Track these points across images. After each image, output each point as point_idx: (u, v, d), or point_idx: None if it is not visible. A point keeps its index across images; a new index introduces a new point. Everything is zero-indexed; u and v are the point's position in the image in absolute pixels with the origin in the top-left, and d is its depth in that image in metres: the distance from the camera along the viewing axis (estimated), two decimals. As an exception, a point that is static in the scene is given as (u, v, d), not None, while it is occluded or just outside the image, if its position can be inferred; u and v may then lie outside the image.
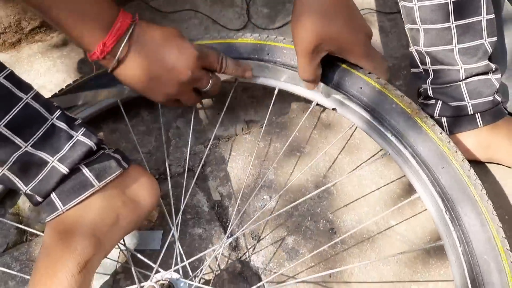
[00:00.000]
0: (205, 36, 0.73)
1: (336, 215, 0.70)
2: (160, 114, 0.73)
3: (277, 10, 0.93)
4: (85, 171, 0.54)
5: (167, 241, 0.63)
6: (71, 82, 0.73)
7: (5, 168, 0.51)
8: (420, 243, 0.67)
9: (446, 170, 0.54)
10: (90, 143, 0.55)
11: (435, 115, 0.71)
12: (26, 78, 0.75)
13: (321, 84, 0.65)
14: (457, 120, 0.70)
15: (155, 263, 0.60)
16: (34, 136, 0.52)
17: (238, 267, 0.66)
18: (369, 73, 0.63)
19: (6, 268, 0.64)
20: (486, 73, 0.68)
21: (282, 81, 0.67)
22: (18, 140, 0.51)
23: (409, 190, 0.71)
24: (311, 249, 0.66)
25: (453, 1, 0.63)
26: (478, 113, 0.69)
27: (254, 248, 0.67)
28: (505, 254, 0.49)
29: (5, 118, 0.50)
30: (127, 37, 0.56)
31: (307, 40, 0.58)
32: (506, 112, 0.71)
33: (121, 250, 0.65)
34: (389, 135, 0.59)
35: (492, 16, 0.66)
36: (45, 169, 0.53)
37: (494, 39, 0.67)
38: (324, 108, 0.79)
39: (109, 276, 0.65)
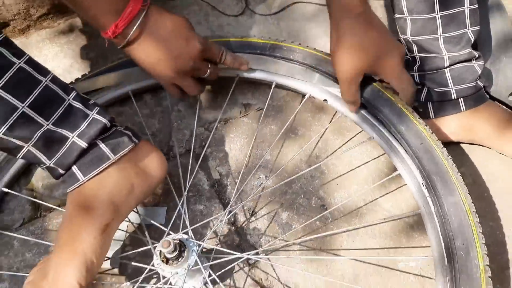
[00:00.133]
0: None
1: (327, 193, 0.75)
2: (167, 97, 0.79)
3: (274, -3, 0.97)
4: (102, 145, 0.60)
5: (174, 216, 0.69)
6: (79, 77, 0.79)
7: (30, 145, 0.57)
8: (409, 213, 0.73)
9: (424, 146, 0.60)
10: (104, 120, 0.61)
11: (421, 100, 0.76)
12: (36, 63, 0.80)
13: (316, 76, 0.70)
14: (441, 105, 0.75)
15: (161, 237, 0.66)
16: (54, 115, 0.58)
17: (236, 240, 0.71)
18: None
19: (24, 241, 0.70)
20: (469, 60, 0.72)
21: (279, 76, 0.74)
22: (40, 119, 0.57)
23: (395, 169, 0.76)
24: (303, 223, 0.72)
25: (438, -7, 0.67)
26: (461, 98, 0.74)
27: (250, 223, 0.73)
28: (472, 215, 0.56)
29: (28, 99, 0.56)
30: (138, 22, 0.62)
31: (348, 72, 0.64)
32: (488, 97, 0.76)
33: (130, 222, 0.71)
34: (374, 121, 0.65)
35: (475, 6, 0.70)
36: (66, 144, 0.59)
37: (477, 28, 0.71)
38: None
39: (121, 243, 0.71)
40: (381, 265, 0.69)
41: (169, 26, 0.65)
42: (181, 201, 0.69)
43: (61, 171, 0.60)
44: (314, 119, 0.82)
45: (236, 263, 0.68)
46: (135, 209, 0.67)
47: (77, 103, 0.60)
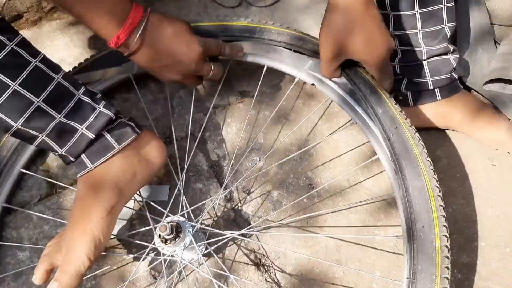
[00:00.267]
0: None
1: (315, 173, 0.83)
2: (166, 85, 0.85)
3: (269, -11, 1.03)
4: (107, 136, 0.67)
5: (174, 194, 0.77)
6: (82, 61, 0.85)
7: (44, 135, 0.64)
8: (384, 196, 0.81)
9: (397, 130, 0.67)
10: (110, 113, 0.67)
11: (402, 89, 0.83)
12: (48, 52, 0.87)
13: (309, 62, 0.76)
14: (419, 94, 0.82)
15: (162, 214, 0.74)
16: (66, 109, 0.64)
17: (232, 215, 0.80)
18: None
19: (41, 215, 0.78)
20: (445, 54, 0.79)
21: (270, 59, 0.79)
22: (53, 112, 0.63)
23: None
24: (293, 201, 0.80)
25: (417, -8, 0.73)
26: (437, 88, 0.80)
27: (245, 200, 0.81)
28: (434, 199, 0.62)
29: (42, 95, 0.62)
30: (139, 32, 0.66)
31: (328, 49, 0.67)
32: (461, 87, 0.83)
33: (136, 200, 0.79)
34: (356, 106, 0.72)
35: (452, 4, 0.76)
36: (76, 135, 0.65)
37: (453, 24, 0.78)
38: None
39: (126, 221, 0.79)
40: (361, 239, 0.77)
41: (169, 33, 0.69)
42: (180, 182, 0.77)
43: (72, 159, 0.67)
44: (304, 105, 0.89)
45: (228, 238, 0.76)
46: (138, 192, 0.74)
47: (86, 97, 0.66)
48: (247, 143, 0.85)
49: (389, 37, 0.66)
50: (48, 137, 0.64)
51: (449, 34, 0.78)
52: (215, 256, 0.74)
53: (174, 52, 0.70)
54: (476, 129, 0.82)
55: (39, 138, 0.64)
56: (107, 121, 0.67)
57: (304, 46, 0.77)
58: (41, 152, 0.85)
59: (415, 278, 0.60)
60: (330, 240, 0.77)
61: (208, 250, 0.73)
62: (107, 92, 0.85)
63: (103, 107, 0.67)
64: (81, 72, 0.82)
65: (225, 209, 0.80)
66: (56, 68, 0.65)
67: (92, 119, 0.66)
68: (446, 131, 0.86)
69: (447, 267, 0.60)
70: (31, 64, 0.61)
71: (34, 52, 0.63)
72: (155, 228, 0.69)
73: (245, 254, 0.77)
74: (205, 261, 0.73)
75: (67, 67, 0.86)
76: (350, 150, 0.84)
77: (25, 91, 0.60)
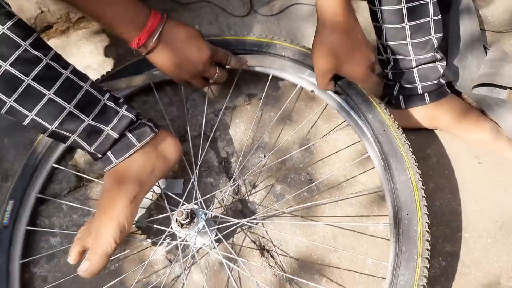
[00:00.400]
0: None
1: (314, 169, 0.91)
2: (182, 89, 0.95)
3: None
4: (129, 136, 0.76)
5: (188, 187, 0.86)
6: (110, 70, 0.95)
7: (75, 135, 0.73)
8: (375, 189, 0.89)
9: (386, 132, 0.76)
10: (131, 115, 0.77)
11: (394, 93, 0.90)
12: (75, 59, 0.99)
13: (308, 71, 0.86)
14: (410, 98, 0.89)
15: (178, 204, 0.84)
16: (93, 113, 0.73)
17: (239, 206, 0.89)
18: None
19: (71, 206, 0.89)
20: (433, 62, 0.86)
21: (275, 69, 0.89)
22: (82, 116, 0.72)
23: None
24: (295, 194, 0.89)
25: (406, 7, 0.81)
26: (426, 93, 0.88)
27: (251, 192, 0.90)
28: (418, 191, 0.71)
29: (73, 101, 0.71)
30: (157, 34, 0.76)
31: (322, 69, 0.78)
32: (449, 92, 0.90)
33: (154, 192, 0.88)
34: (351, 110, 0.80)
35: (439, 17, 0.84)
36: (102, 135, 0.75)
37: (440, 35, 0.85)
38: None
39: (145, 210, 0.89)
40: (355, 228, 0.85)
41: (182, 36, 0.79)
42: (193, 176, 0.87)
43: (99, 155, 0.77)
44: (306, 107, 0.97)
45: (236, 226, 0.85)
46: (156, 184, 0.84)
47: (111, 102, 0.75)
48: (253, 142, 0.94)
49: (369, 53, 0.76)
50: (79, 137, 0.74)
51: (436, 44, 0.85)
52: (225, 241, 0.83)
53: (186, 53, 0.80)
54: (463, 130, 0.89)
55: (71, 138, 0.74)
56: (129, 123, 0.76)
57: (305, 62, 0.87)
58: (70, 149, 0.95)
59: (399, 258, 0.69)
60: (327, 229, 0.86)
61: (218, 236, 0.82)
62: (129, 96, 0.95)
63: (125, 110, 0.76)
64: (108, 80, 0.92)
65: (233, 200, 0.89)
66: (84, 77, 0.74)
67: (116, 121, 0.75)
68: (436, 131, 0.93)
69: (427, 249, 0.69)
70: (63, 76, 0.70)
71: (65, 64, 0.72)
72: (173, 214, 0.79)
73: (251, 241, 0.86)
74: (216, 246, 0.83)
75: (92, 73, 0.96)
76: (347, 147, 0.92)
77: (58, 98, 0.70)
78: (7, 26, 0.65)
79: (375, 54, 0.83)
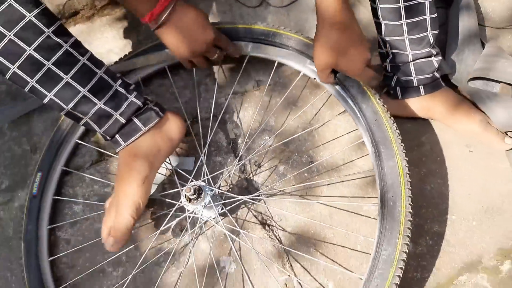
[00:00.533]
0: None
1: (316, 152, 0.99)
2: (194, 73, 1.03)
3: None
4: (136, 120, 0.83)
5: (197, 164, 0.95)
6: (126, 54, 1.02)
7: (87, 117, 0.80)
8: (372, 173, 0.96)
9: (377, 121, 0.83)
10: (139, 102, 0.83)
11: (392, 85, 0.97)
12: (98, 43, 1.06)
13: (308, 60, 0.92)
14: (407, 89, 0.96)
15: (190, 176, 0.92)
16: (105, 98, 0.79)
17: (245, 184, 0.97)
18: None
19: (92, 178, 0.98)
20: (428, 57, 0.92)
21: (280, 57, 0.96)
22: (95, 100, 0.79)
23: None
24: (296, 174, 0.97)
25: (404, 6, 0.86)
26: (422, 85, 0.94)
27: (255, 172, 0.98)
28: (403, 175, 0.79)
29: (87, 86, 0.78)
30: (169, 10, 0.83)
31: (321, 65, 0.85)
32: (443, 85, 0.96)
33: (167, 168, 0.97)
34: (348, 99, 0.88)
35: (435, 15, 0.89)
36: (111, 119, 0.81)
37: (436, 31, 0.91)
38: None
39: (159, 185, 0.98)
40: (350, 208, 0.93)
41: (191, 17, 0.85)
42: (202, 155, 0.95)
43: (108, 138, 0.83)
44: (311, 94, 1.04)
45: (240, 202, 0.93)
46: (167, 160, 0.92)
47: (122, 89, 0.81)
48: (260, 125, 1.02)
49: (364, 50, 0.82)
50: (90, 119, 0.81)
51: (432, 40, 0.91)
52: (229, 215, 0.92)
53: (192, 32, 0.87)
54: (455, 121, 0.96)
55: (84, 119, 0.81)
56: (136, 109, 0.83)
57: (307, 52, 0.93)
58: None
59: (383, 235, 0.77)
60: (324, 208, 0.94)
61: (223, 210, 0.91)
62: (147, 78, 1.03)
63: (134, 97, 0.83)
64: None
65: (239, 179, 0.98)
66: (99, 64, 0.81)
67: (124, 107, 0.81)
68: (430, 121, 0.99)
69: (408, 228, 0.77)
70: (80, 62, 0.77)
71: (83, 51, 0.79)
72: (182, 190, 0.87)
73: (254, 216, 0.94)
74: (221, 220, 0.92)
75: (114, 56, 1.05)
76: (347, 134, 1.00)
77: (75, 82, 0.76)
78: (34, 14, 0.71)
79: (375, 50, 0.89)
